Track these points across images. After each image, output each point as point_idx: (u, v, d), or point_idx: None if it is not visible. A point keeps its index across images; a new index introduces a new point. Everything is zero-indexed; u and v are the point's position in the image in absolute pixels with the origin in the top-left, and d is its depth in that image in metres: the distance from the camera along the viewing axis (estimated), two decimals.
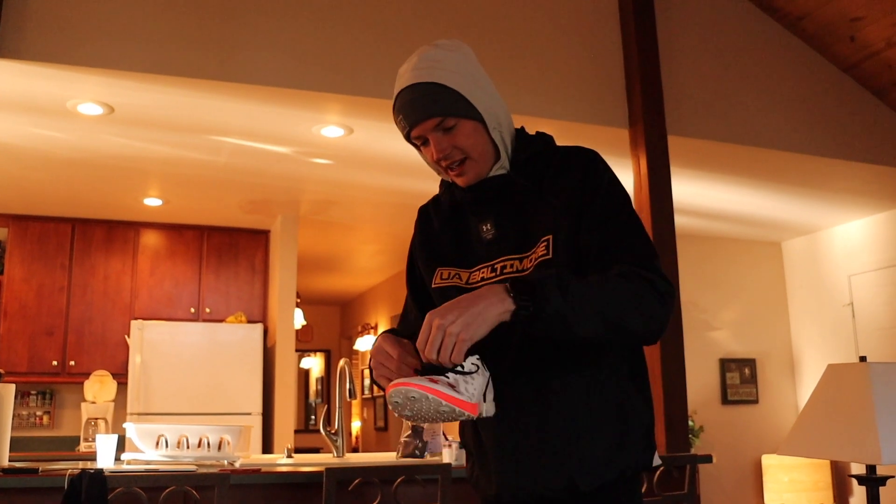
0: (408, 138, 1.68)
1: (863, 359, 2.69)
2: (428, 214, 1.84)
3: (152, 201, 6.01)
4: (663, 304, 1.48)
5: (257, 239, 6.80)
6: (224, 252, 6.68)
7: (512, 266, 1.60)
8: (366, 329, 10.54)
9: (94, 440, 5.52)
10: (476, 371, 1.45)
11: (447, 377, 1.41)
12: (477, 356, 1.45)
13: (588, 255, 1.55)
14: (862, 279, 6.37)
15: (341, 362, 3.88)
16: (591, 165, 1.62)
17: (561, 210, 1.59)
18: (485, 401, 1.47)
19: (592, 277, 1.47)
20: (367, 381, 10.66)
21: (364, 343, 10.44)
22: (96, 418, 5.82)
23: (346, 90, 4.03)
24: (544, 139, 1.72)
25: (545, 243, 1.57)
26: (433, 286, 1.72)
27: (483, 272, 1.64)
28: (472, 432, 1.69)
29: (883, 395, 2.44)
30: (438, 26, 4.28)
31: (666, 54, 4.72)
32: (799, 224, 6.66)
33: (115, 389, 6.01)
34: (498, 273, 1.61)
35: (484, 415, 1.47)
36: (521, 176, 1.65)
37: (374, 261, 9.04)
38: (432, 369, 1.41)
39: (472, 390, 1.42)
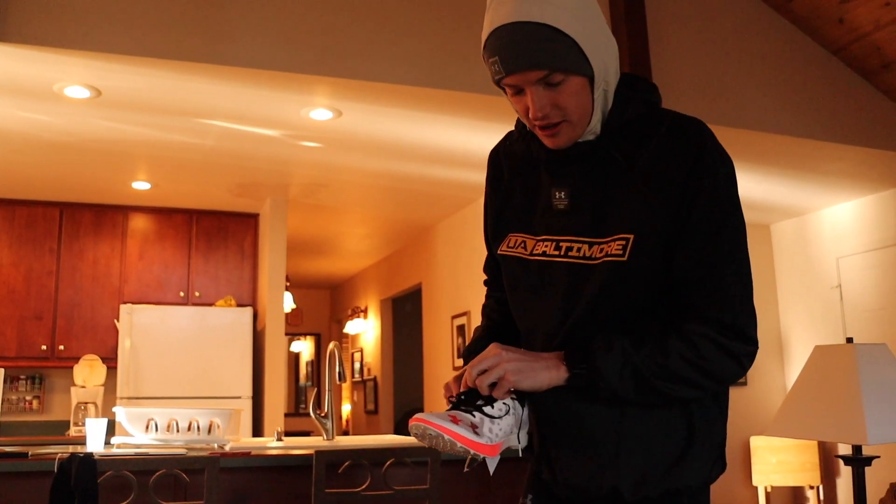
0: (497, 83, 1.41)
1: (849, 340, 2.70)
2: (498, 160, 1.63)
3: (141, 185, 5.98)
4: (739, 365, 1.37)
5: (246, 222, 6.78)
6: (213, 236, 6.67)
7: (579, 250, 1.42)
8: (356, 312, 10.54)
9: (83, 424, 5.51)
10: (506, 414, 1.40)
11: (473, 415, 1.37)
12: (513, 396, 1.41)
13: (674, 282, 1.39)
14: (850, 261, 6.39)
15: (331, 345, 3.88)
16: (703, 154, 1.38)
17: (653, 204, 1.37)
18: (514, 434, 1.44)
19: (657, 351, 1.35)
20: (357, 365, 10.68)
21: (354, 326, 10.45)
22: (86, 403, 5.82)
23: (335, 73, 4.01)
24: (648, 100, 1.46)
25: (623, 242, 1.37)
26: (499, 252, 1.56)
27: (547, 246, 1.47)
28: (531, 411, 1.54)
29: (869, 376, 2.46)
30: (430, 7, 4.26)
31: (655, 37, 4.71)
32: (788, 206, 6.67)
33: (105, 374, 6.01)
34: (562, 253, 1.43)
35: (513, 448, 1.45)
36: (612, 144, 1.42)
37: (363, 244, 9.03)
38: (465, 401, 1.40)
39: (497, 431, 1.38)
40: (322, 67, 3.99)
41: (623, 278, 1.37)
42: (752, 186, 6.04)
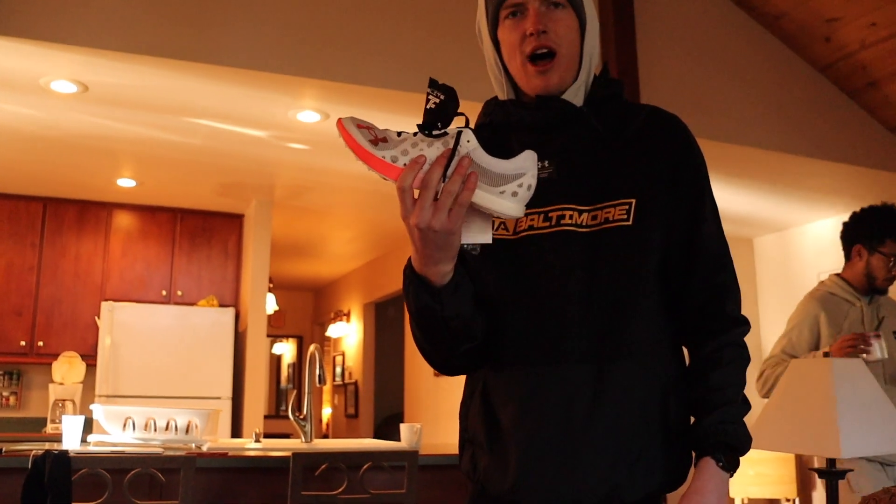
0: (497, 6, 1.44)
1: (826, 355, 2.72)
2: None
3: (126, 182, 5.96)
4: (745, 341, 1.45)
5: (231, 223, 6.76)
6: (197, 235, 6.65)
7: (571, 217, 1.37)
8: (339, 316, 10.53)
9: (61, 422, 5.48)
10: (443, 137, 1.18)
11: (399, 134, 1.19)
12: (460, 130, 1.19)
13: (680, 272, 1.41)
14: None
15: (311, 348, 3.88)
16: (687, 142, 1.47)
17: (648, 175, 1.40)
18: (505, 195, 1.19)
19: (725, 385, 1.37)
20: (338, 369, 10.66)
21: (336, 330, 10.43)
22: (64, 400, 5.78)
23: (324, 75, 4.02)
24: (621, 85, 1.52)
25: (626, 206, 1.36)
26: None
27: (533, 219, 1.39)
28: (483, 414, 1.42)
29: (844, 390, 2.48)
30: (419, 12, 4.27)
31: (643, 50, 4.74)
32: (771, 221, 6.71)
33: (84, 371, 5.97)
34: (553, 223, 1.38)
35: (487, 206, 1.20)
36: (595, 115, 1.44)
37: (348, 247, 9.03)
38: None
39: (413, 155, 1.17)
40: (310, 69, 3.99)
41: (629, 243, 1.36)
42: (736, 200, 6.07)
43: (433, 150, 1.17)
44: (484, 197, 1.19)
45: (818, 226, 6.60)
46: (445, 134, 1.18)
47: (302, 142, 4.98)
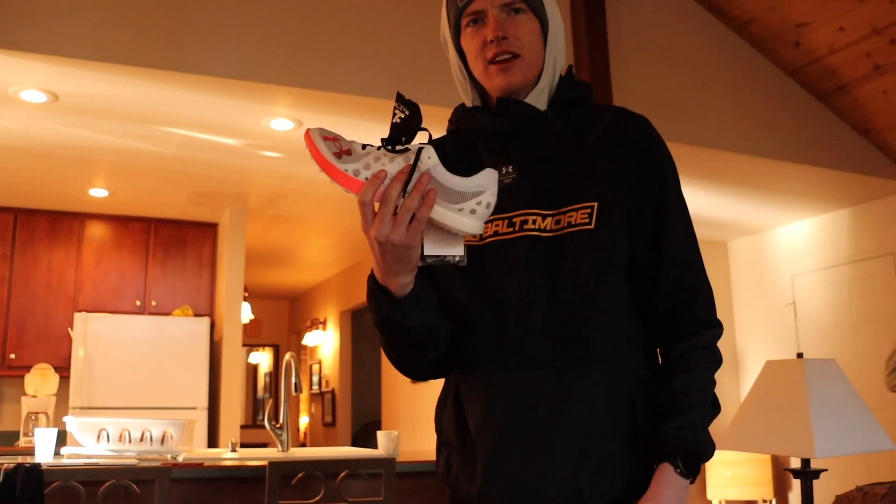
0: (458, 15, 1.45)
1: (800, 355, 2.75)
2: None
3: (98, 192, 5.91)
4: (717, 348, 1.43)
5: (205, 232, 6.72)
6: (171, 244, 6.60)
7: (534, 223, 1.38)
8: (315, 324, 10.50)
9: (33, 435, 5.42)
10: (405, 153, 1.19)
11: (364, 147, 1.20)
12: (422, 146, 1.21)
13: (648, 275, 1.41)
14: (804, 279, 6.50)
15: (287, 356, 3.86)
16: (654, 140, 1.46)
17: (611, 177, 1.39)
18: (464, 212, 1.21)
19: (690, 389, 1.36)
20: (315, 377, 10.62)
21: (313, 338, 10.39)
22: (37, 412, 5.71)
23: (296, 83, 4.01)
24: (590, 90, 1.52)
25: (588, 210, 1.36)
26: None
27: (497, 225, 1.40)
28: (455, 417, 1.44)
29: (818, 390, 2.50)
30: (392, 19, 4.27)
31: (615, 54, 4.77)
32: (744, 224, 6.77)
33: (58, 383, 5.91)
34: (517, 228, 1.39)
35: (446, 224, 1.22)
36: (558, 119, 1.44)
37: (323, 256, 9.00)
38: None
39: (375, 170, 1.19)
40: (283, 77, 3.98)
41: (591, 247, 1.36)
42: (710, 204, 6.12)
43: (395, 165, 1.19)
44: (443, 213, 1.21)
45: (791, 228, 6.66)
46: (407, 150, 1.20)
47: (276, 150, 4.97)
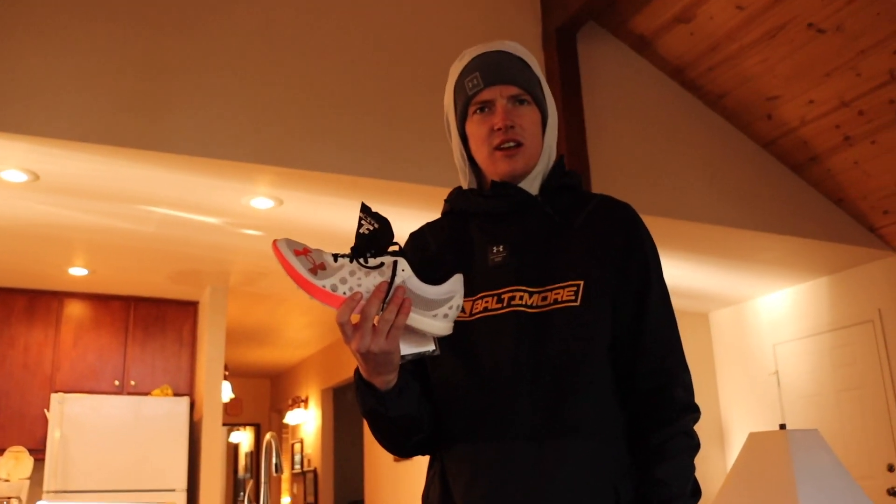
0: (466, 103, 1.53)
1: (782, 426, 2.73)
2: (423, 238, 1.64)
3: (77, 271, 5.88)
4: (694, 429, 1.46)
5: (185, 310, 6.67)
6: (151, 323, 6.55)
7: (521, 298, 1.43)
8: (296, 402, 10.38)
9: None
10: (379, 267, 1.24)
11: (335, 259, 1.24)
12: (394, 251, 1.27)
13: (628, 356, 1.44)
14: (786, 348, 6.51)
15: (267, 436, 3.80)
16: (636, 227, 1.52)
17: (597, 258, 1.45)
18: (437, 317, 1.28)
19: (670, 478, 1.38)
20: (297, 456, 10.46)
21: (294, 416, 10.27)
22: (9, 497, 5.57)
23: (277, 162, 4.03)
24: (579, 179, 1.60)
25: (574, 288, 1.41)
26: None
27: (487, 301, 1.45)
28: (441, 495, 1.46)
29: (802, 461, 2.48)
30: (373, 99, 4.33)
31: (592, 128, 4.84)
32: (725, 295, 6.80)
33: (32, 466, 5.77)
34: (505, 304, 1.43)
35: (423, 329, 1.28)
36: (548, 203, 1.52)
37: (304, 333, 8.95)
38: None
39: (353, 286, 1.23)
40: (263, 156, 4.01)
41: (577, 323, 1.40)
42: (690, 275, 6.16)
43: (370, 279, 1.25)
44: (418, 320, 1.28)
45: (772, 298, 6.70)
46: (381, 265, 1.26)
47: (256, 228, 4.97)
